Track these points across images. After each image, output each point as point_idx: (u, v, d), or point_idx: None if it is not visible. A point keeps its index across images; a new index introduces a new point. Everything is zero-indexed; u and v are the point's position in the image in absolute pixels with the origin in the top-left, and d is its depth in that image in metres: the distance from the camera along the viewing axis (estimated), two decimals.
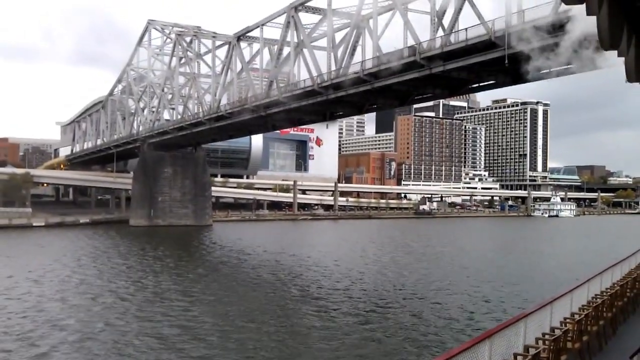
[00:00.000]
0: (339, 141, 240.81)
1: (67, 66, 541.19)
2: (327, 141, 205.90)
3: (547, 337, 11.35)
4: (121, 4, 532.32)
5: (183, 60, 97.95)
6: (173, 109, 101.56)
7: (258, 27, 72.57)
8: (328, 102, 61.85)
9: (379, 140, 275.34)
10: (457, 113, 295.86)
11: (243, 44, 79.70)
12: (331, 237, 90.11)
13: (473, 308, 32.16)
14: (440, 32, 48.07)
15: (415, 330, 27.08)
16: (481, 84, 54.45)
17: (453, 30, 46.00)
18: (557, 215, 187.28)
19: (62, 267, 47.31)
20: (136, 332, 26.01)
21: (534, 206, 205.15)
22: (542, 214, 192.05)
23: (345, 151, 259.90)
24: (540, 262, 57.25)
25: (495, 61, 43.21)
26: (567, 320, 12.87)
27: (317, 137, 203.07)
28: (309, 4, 63.47)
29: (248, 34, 77.10)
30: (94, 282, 40.00)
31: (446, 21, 48.63)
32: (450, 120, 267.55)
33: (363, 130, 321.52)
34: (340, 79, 56.46)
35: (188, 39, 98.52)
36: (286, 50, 68.25)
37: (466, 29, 44.53)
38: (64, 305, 31.84)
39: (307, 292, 37.42)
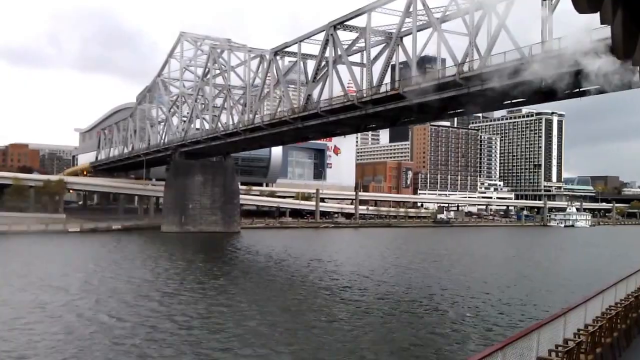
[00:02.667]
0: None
1: (73, 71, 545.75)
2: (344, 150, 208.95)
3: (560, 348, 11.28)
4: (128, 10, 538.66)
5: (216, 72, 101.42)
6: (204, 119, 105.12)
7: (295, 43, 75.79)
8: (366, 116, 64.84)
9: (394, 149, 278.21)
10: (472, 123, 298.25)
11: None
12: (359, 244, 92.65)
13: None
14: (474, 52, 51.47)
15: (468, 327, 29.90)
16: (513, 101, 57.55)
17: (491, 54, 49.09)
18: (572, 226, 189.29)
19: (140, 272, 50.85)
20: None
21: (549, 216, 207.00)
22: (558, 224, 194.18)
23: (361, 160, 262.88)
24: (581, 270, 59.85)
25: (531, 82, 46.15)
26: (581, 331, 12.79)
27: (334, 145, 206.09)
28: (347, 22, 66.54)
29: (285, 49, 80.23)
30: (163, 282, 43.27)
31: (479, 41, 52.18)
32: (466, 130, 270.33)
33: (378, 139, 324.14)
34: (379, 95, 59.60)
35: (219, 50, 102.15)
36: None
37: (504, 52, 47.58)
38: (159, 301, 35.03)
39: (362, 297, 40.29)
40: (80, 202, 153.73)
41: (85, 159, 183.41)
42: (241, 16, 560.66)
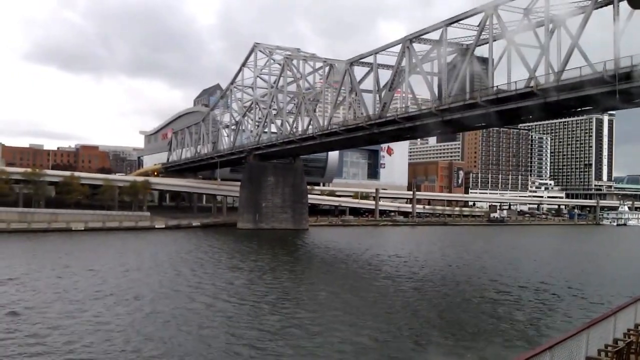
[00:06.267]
0: None
1: (120, 75, 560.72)
2: (397, 150, 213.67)
3: (609, 348, 11.19)
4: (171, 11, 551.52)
5: (289, 80, 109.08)
6: (276, 123, 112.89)
7: (371, 54, 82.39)
8: (441, 122, 70.88)
9: (444, 149, 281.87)
10: (522, 122, 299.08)
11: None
12: (425, 242, 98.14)
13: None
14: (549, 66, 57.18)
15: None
16: (582, 109, 63.06)
17: (565, 69, 54.74)
18: (625, 224, 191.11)
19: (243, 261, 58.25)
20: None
21: (602, 215, 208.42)
22: (611, 222, 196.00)
23: (411, 159, 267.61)
24: None
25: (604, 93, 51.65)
26: (631, 332, 12.66)
27: (388, 146, 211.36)
28: (423, 36, 72.79)
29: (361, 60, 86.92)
30: (271, 271, 50.69)
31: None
32: (517, 130, 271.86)
33: (427, 140, 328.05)
34: (458, 103, 65.65)
35: (291, 59, 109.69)
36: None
37: (580, 67, 53.14)
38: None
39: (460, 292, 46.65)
40: (151, 201, 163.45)
41: (150, 160, 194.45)
42: (286, 14, 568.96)
